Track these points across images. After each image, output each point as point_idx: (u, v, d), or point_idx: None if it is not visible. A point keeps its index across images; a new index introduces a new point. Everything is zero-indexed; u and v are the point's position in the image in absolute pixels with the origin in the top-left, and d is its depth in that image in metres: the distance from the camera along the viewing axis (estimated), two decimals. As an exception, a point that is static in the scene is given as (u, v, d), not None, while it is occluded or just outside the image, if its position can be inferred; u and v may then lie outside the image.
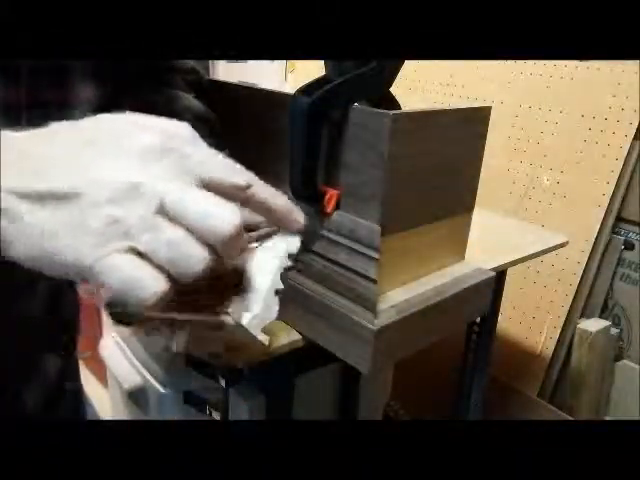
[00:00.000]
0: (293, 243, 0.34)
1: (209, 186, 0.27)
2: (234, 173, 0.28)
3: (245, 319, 0.30)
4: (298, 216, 0.32)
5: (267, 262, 0.33)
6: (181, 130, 0.29)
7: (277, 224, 0.33)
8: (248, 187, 0.29)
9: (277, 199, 0.31)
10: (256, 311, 0.31)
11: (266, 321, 0.31)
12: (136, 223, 0.24)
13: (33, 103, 0.40)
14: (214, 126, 0.56)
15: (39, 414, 0.50)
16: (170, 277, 0.25)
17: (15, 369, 0.48)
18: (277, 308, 0.32)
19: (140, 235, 0.24)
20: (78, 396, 0.63)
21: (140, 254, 0.25)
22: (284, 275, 0.33)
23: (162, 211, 0.25)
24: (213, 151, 0.29)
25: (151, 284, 0.24)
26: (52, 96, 0.41)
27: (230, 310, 0.30)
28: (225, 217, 0.25)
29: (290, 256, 0.33)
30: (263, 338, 0.31)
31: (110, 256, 0.24)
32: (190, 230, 0.25)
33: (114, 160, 0.26)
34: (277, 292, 0.32)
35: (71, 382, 0.59)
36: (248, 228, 0.35)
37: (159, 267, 0.25)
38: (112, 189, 0.25)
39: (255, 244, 0.35)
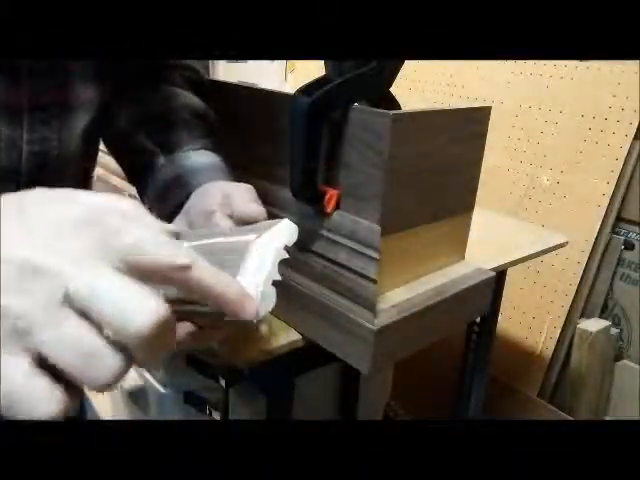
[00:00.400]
0: (292, 235, 0.34)
1: (138, 269, 0.22)
2: (173, 253, 0.24)
3: None
4: (250, 305, 0.27)
5: (266, 253, 0.33)
6: (120, 204, 0.25)
7: (225, 312, 0.27)
8: (188, 267, 0.24)
9: (225, 283, 0.26)
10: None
11: (266, 309, 0.31)
12: (36, 317, 0.20)
13: (34, 105, 0.40)
14: (213, 125, 0.55)
15: None
16: (74, 383, 0.21)
17: None
18: (274, 299, 0.31)
19: (40, 332, 0.20)
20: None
21: (39, 356, 0.20)
22: (281, 267, 0.33)
23: (69, 301, 0.20)
24: (155, 228, 0.25)
25: (43, 403, 0.20)
26: (53, 98, 0.41)
27: None
28: (143, 312, 0.20)
29: (286, 248, 0.33)
30: (262, 328, 0.31)
31: None
32: (101, 327, 0.20)
33: (17, 236, 0.21)
34: (274, 283, 0.32)
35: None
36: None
37: (61, 373, 0.20)
38: (7, 273, 0.20)
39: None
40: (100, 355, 0.20)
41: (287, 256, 0.33)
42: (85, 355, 0.20)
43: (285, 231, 0.34)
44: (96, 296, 0.20)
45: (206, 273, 0.25)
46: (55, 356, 0.20)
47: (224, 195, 0.45)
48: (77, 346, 0.20)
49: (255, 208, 0.43)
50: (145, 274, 0.23)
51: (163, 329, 0.21)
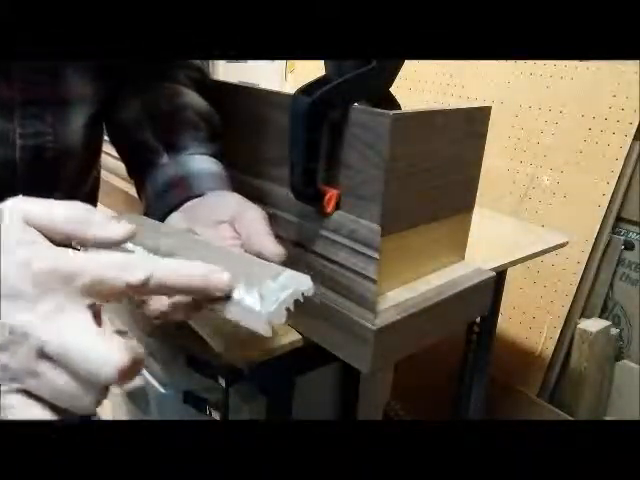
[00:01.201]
0: (310, 290, 0.33)
1: (100, 294, 0.25)
2: (127, 269, 0.26)
3: (261, 307, 0.30)
4: (220, 276, 0.29)
5: (288, 284, 0.32)
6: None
7: (204, 296, 0.29)
8: (146, 281, 0.26)
9: (190, 270, 0.28)
10: (270, 308, 0.31)
11: (274, 322, 0.31)
12: (20, 369, 0.24)
13: (26, 99, 0.39)
14: (217, 129, 0.55)
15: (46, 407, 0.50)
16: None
17: None
18: (285, 319, 0.31)
19: (25, 380, 0.24)
20: None
21: (30, 393, 0.24)
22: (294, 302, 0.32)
23: (44, 356, 0.24)
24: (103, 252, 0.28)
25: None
26: (46, 92, 0.41)
27: (246, 298, 0.30)
28: (107, 360, 0.23)
29: (302, 296, 0.33)
30: (268, 329, 0.30)
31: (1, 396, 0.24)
32: (73, 373, 0.24)
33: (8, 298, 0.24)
34: (287, 309, 0.32)
35: None
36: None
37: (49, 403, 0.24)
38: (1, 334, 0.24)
39: None
40: (77, 395, 0.24)
41: (302, 301, 0.32)
42: (65, 396, 0.24)
43: (308, 282, 0.33)
44: (66, 350, 0.24)
45: (167, 271, 0.27)
46: (40, 394, 0.24)
47: (237, 211, 0.44)
48: (56, 391, 0.24)
49: (279, 250, 0.41)
50: (109, 295, 0.26)
51: (130, 372, 0.24)
